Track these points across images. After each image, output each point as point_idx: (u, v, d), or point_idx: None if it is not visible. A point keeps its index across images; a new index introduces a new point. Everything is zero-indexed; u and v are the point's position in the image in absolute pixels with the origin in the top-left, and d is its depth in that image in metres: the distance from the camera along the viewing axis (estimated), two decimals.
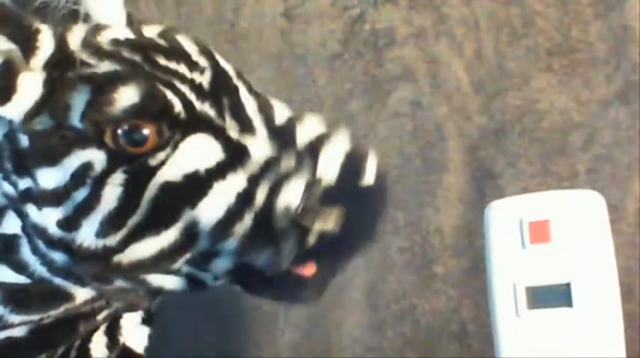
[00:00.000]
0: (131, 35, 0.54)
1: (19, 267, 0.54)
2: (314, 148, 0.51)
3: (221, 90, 0.52)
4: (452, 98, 1.09)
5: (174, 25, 1.19)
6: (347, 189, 0.51)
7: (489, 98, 1.08)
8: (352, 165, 0.52)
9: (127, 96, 0.49)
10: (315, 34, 1.14)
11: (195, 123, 0.50)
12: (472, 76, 1.09)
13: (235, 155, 0.50)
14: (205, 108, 0.51)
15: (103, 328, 0.59)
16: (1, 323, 0.55)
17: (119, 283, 0.53)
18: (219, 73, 0.53)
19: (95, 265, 0.51)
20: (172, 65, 0.52)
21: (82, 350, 0.58)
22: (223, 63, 0.55)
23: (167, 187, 0.50)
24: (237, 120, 0.51)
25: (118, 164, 0.50)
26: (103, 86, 0.50)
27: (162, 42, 0.53)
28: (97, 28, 0.54)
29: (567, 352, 0.68)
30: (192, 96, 0.51)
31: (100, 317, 0.57)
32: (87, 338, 0.58)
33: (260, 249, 0.50)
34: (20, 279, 0.54)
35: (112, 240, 0.50)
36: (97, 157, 0.50)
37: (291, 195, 0.49)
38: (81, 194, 0.50)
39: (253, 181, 0.50)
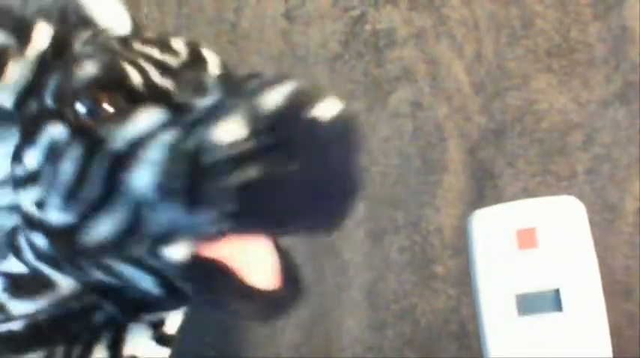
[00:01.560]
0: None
1: (18, 256, 0.54)
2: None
3: (191, 69, 0.51)
4: (452, 98, 1.10)
5: (175, 25, 1.20)
6: (294, 123, 0.44)
7: (489, 98, 1.08)
8: (301, 99, 0.44)
9: (87, 69, 0.50)
10: (315, 35, 1.15)
11: (153, 97, 0.50)
12: (472, 76, 1.09)
13: (176, 114, 0.48)
14: (166, 83, 0.50)
15: (105, 342, 0.56)
16: (4, 313, 0.55)
17: (95, 273, 0.52)
18: (194, 58, 0.52)
19: (63, 244, 0.51)
20: (144, 49, 0.52)
21: None
22: (207, 53, 0.54)
23: (110, 157, 0.49)
24: (196, 91, 0.50)
25: (78, 137, 0.51)
26: (71, 64, 0.51)
27: (149, 35, 0.54)
28: (101, 32, 0.55)
29: (559, 356, 0.69)
30: (154, 73, 0.50)
31: (95, 320, 0.55)
32: (86, 350, 0.55)
33: (197, 202, 0.45)
34: (21, 268, 0.55)
35: (72, 216, 0.50)
36: (61, 132, 0.51)
37: (222, 132, 0.44)
38: (49, 170, 0.51)
39: (186, 130, 0.47)
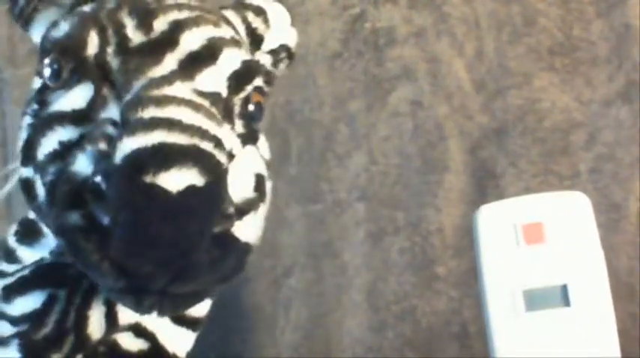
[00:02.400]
0: None
1: (32, 202, 0.54)
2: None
3: (147, 51, 0.49)
4: (453, 97, 1.09)
5: None
6: (129, 182, 0.41)
7: (490, 97, 1.08)
8: (149, 160, 0.41)
9: (60, 29, 0.50)
10: (315, 33, 1.14)
11: (93, 73, 0.49)
12: (473, 75, 1.09)
13: (93, 108, 0.48)
14: (113, 62, 0.48)
15: (102, 297, 0.55)
16: (14, 259, 0.57)
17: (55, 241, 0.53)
18: (165, 37, 0.49)
19: (26, 196, 0.52)
20: (124, 18, 0.50)
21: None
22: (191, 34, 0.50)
23: (36, 124, 0.50)
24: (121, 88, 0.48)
25: (40, 96, 0.51)
26: (56, 22, 0.51)
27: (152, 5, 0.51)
28: None
29: (566, 351, 0.69)
30: (112, 47, 0.49)
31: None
32: (86, 301, 0.54)
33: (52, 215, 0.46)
34: (32, 215, 0.57)
35: (29, 172, 0.51)
36: (37, 85, 0.52)
37: (78, 164, 0.44)
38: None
39: (81, 139, 0.46)
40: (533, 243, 0.70)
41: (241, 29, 0.57)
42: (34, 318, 0.54)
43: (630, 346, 0.97)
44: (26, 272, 0.56)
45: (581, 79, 1.05)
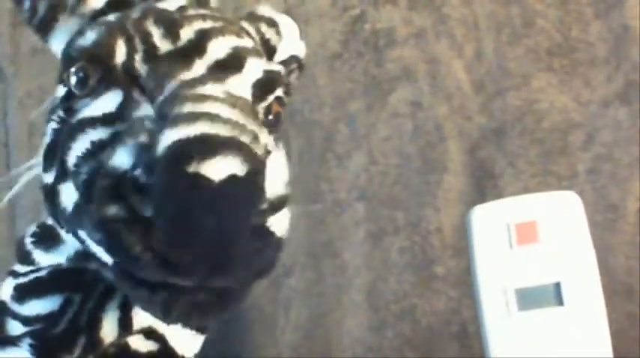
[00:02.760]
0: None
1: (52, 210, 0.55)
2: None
3: (175, 57, 0.49)
4: (452, 98, 1.09)
5: None
6: (172, 173, 0.41)
7: (489, 98, 1.08)
8: (191, 149, 0.41)
9: (87, 38, 0.50)
10: (315, 34, 1.14)
11: (122, 80, 0.49)
12: (472, 76, 1.09)
13: (125, 110, 0.48)
14: (142, 69, 0.49)
15: (117, 300, 0.55)
16: (31, 262, 0.57)
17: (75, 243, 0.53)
18: (192, 45, 0.50)
19: (49, 204, 0.52)
20: (150, 27, 0.50)
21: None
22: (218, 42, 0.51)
23: (64, 130, 0.50)
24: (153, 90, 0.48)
25: (66, 103, 0.52)
26: (85, 28, 0.52)
27: (177, 15, 0.51)
28: None
29: (559, 350, 0.69)
30: (139, 55, 0.49)
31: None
32: (100, 304, 0.55)
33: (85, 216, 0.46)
34: (50, 221, 0.57)
35: (50, 178, 0.51)
36: (61, 93, 0.53)
37: (116, 159, 0.44)
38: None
39: (114, 137, 0.46)
40: (526, 243, 0.71)
41: (256, 39, 0.57)
42: (48, 319, 0.54)
43: (629, 346, 0.97)
44: (42, 274, 0.56)
45: (579, 80, 1.05)
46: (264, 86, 0.50)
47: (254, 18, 0.59)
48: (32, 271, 0.57)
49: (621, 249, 1.01)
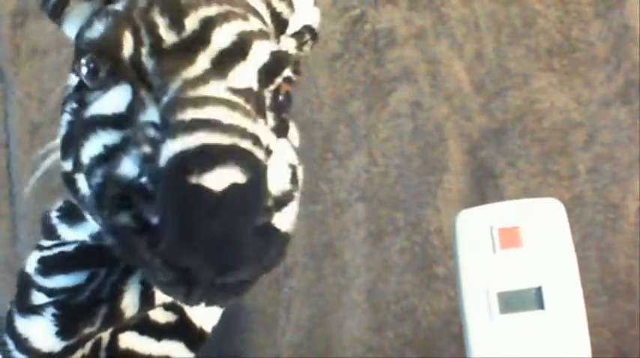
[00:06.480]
0: None
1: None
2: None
3: (182, 50, 0.49)
4: (452, 98, 1.09)
5: None
6: (175, 184, 0.42)
7: (490, 98, 1.08)
8: (193, 160, 0.42)
9: (94, 30, 0.51)
10: None
11: (129, 75, 0.49)
12: (472, 76, 1.09)
13: (133, 111, 0.48)
14: (149, 64, 0.49)
15: (139, 274, 0.56)
16: (57, 237, 0.59)
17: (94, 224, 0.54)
18: (197, 36, 0.50)
19: (69, 189, 0.53)
20: (156, 17, 0.50)
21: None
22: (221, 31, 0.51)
23: (77, 123, 0.51)
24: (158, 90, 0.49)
25: (78, 94, 0.52)
26: (93, 19, 0.52)
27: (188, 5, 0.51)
28: None
29: (540, 352, 0.70)
30: (146, 48, 0.49)
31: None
32: (122, 278, 0.56)
33: (100, 216, 0.48)
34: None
35: (69, 166, 0.53)
36: (73, 82, 0.54)
37: (125, 168, 0.46)
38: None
39: (124, 142, 0.47)
40: (509, 247, 0.72)
41: (266, 15, 0.57)
42: (73, 290, 0.56)
43: (629, 345, 0.97)
44: (69, 248, 0.57)
45: (579, 80, 1.05)
46: (270, 70, 0.51)
47: None
48: (57, 245, 0.58)
49: (622, 249, 1.01)
